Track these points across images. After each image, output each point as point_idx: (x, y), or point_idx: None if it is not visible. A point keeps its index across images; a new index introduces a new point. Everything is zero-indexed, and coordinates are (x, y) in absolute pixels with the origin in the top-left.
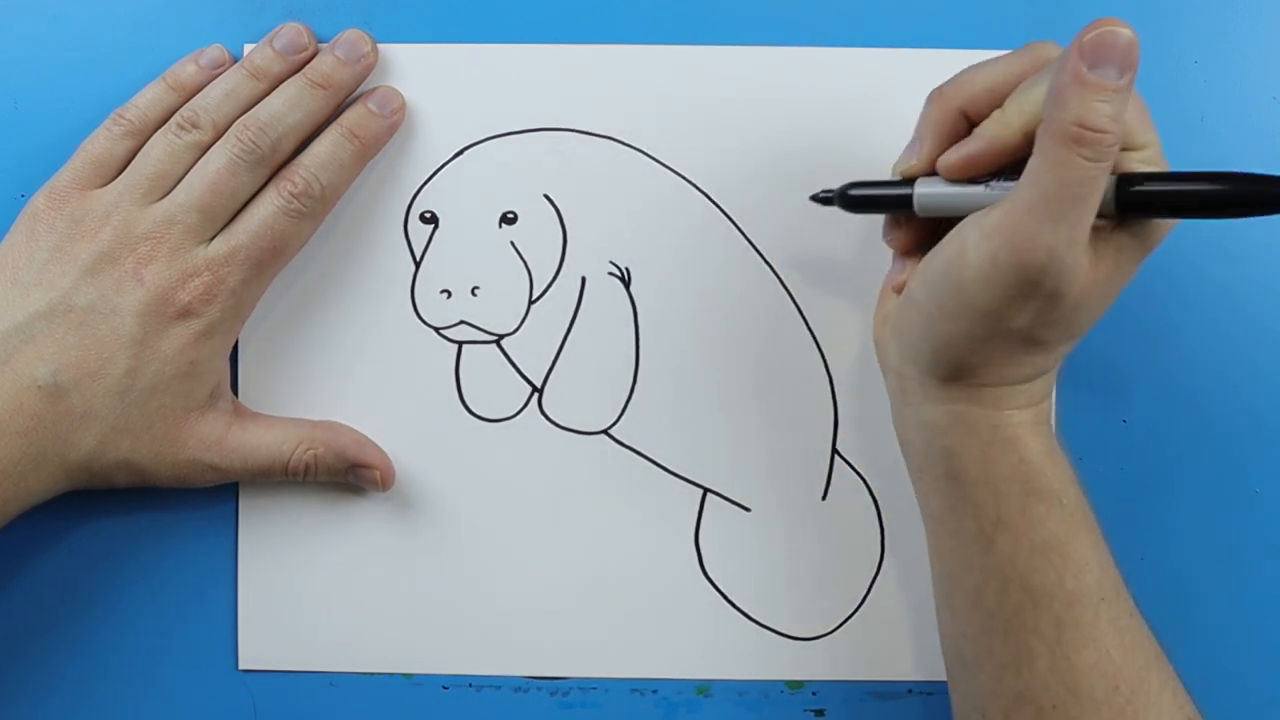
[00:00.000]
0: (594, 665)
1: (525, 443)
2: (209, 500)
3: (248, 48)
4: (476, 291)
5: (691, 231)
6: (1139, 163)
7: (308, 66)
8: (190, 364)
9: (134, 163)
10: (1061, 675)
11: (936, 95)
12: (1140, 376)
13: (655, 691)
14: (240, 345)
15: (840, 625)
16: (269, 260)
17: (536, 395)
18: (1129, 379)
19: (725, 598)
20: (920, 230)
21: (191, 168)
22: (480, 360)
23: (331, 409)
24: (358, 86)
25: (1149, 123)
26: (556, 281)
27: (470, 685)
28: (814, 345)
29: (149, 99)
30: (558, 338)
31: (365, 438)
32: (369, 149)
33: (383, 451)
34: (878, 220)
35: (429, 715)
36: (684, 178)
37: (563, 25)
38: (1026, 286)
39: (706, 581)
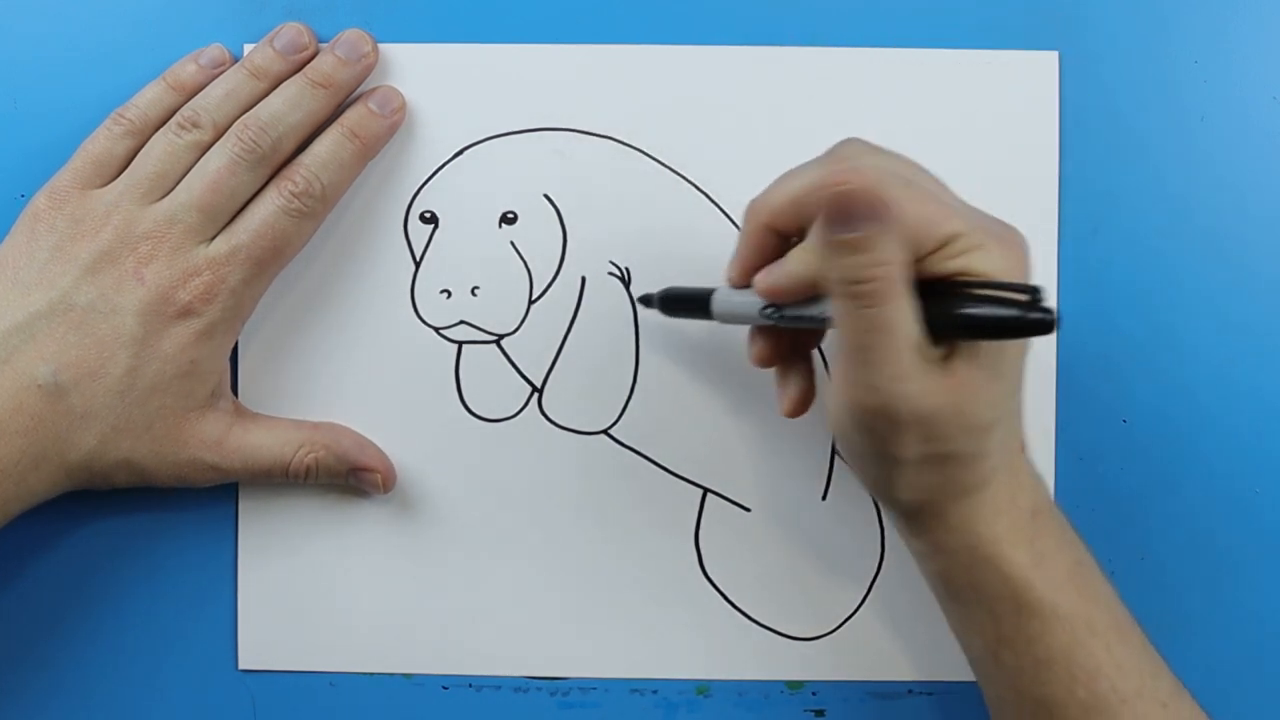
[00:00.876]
0: (594, 665)
1: (525, 443)
2: (209, 500)
3: (248, 48)
4: (476, 291)
5: (691, 231)
6: (955, 256)
7: (308, 66)
8: (191, 363)
9: (134, 162)
10: None
11: (749, 209)
12: (1140, 376)
13: (655, 691)
14: (240, 345)
15: (840, 625)
16: (270, 260)
17: (536, 395)
18: (1129, 379)
19: (725, 598)
20: (778, 342)
21: (192, 167)
22: (480, 360)
23: (331, 409)
24: (358, 86)
25: (937, 218)
26: (556, 281)
27: (470, 685)
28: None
29: (149, 99)
30: (558, 338)
31: (366, 440)
32: (369, 149)
33: (384, 454)
34: None
35: (429, 715)
36: (684, 178)
37: (563, 25)
38: (881, 425)
39: (706, 581)
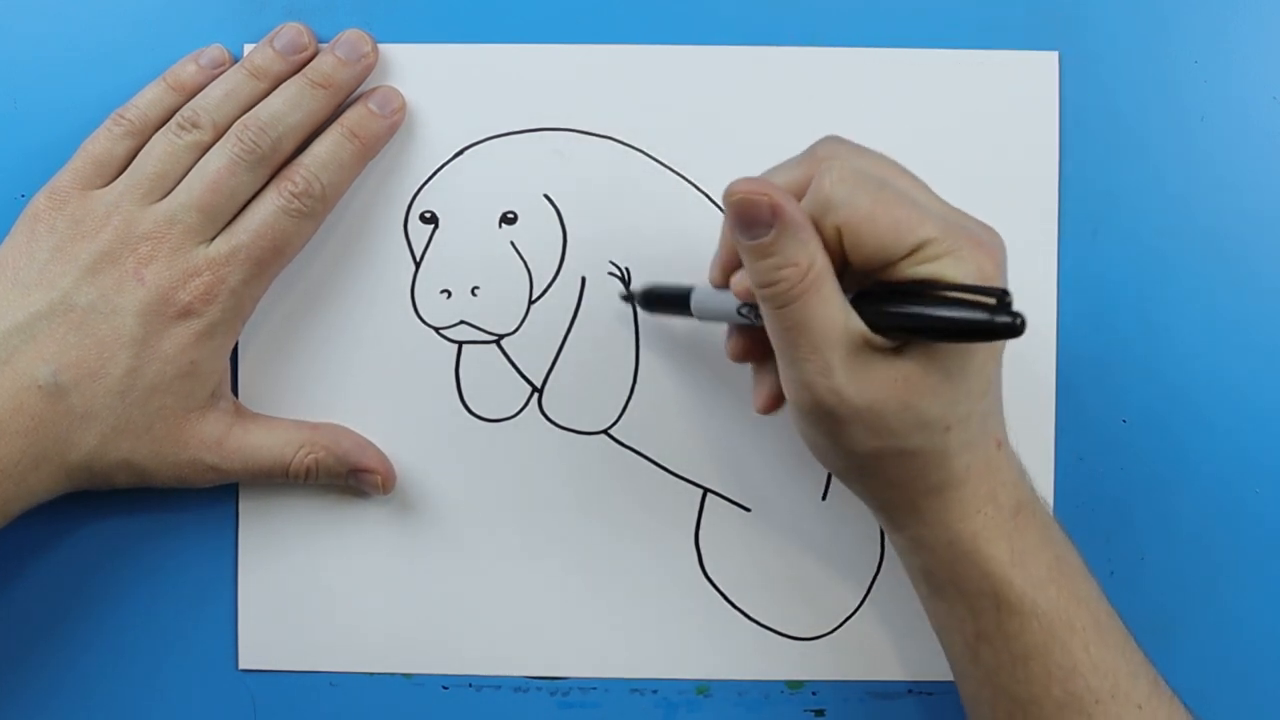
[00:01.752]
0: (594, 665)
1: (525, 443)
2: (209, 500)
3: (248, 48)
4: (476, 291)
5: (691, 231)
6: (926, 262)
7: (308, 66)
8: (191, 364)
9: (134, 163)
10: None
11: (725, 208)
12: (1140, 377)
13: (655, 691)
14: (240, 345)
15: (840, 625)
16: (270, 260)
17: (536, 395)
18: (1129, 379)
19: (725, 598)
20: (754, 340)
21: (192, 168)
22: (480, 360)
23: (331, 409)
24: (358, 86)
25: (906, 225)
26: (556, 281)
27: (470, 685)
28: None
29: (149, 99)
30: (558, 338)
31: (367, 441)
32: (369, 149)
33: (384, 455)
34: None
35: (429, 715)
36: (684, 178)
37: (563, 25)
38: (824, 420)
39: (706, 581)
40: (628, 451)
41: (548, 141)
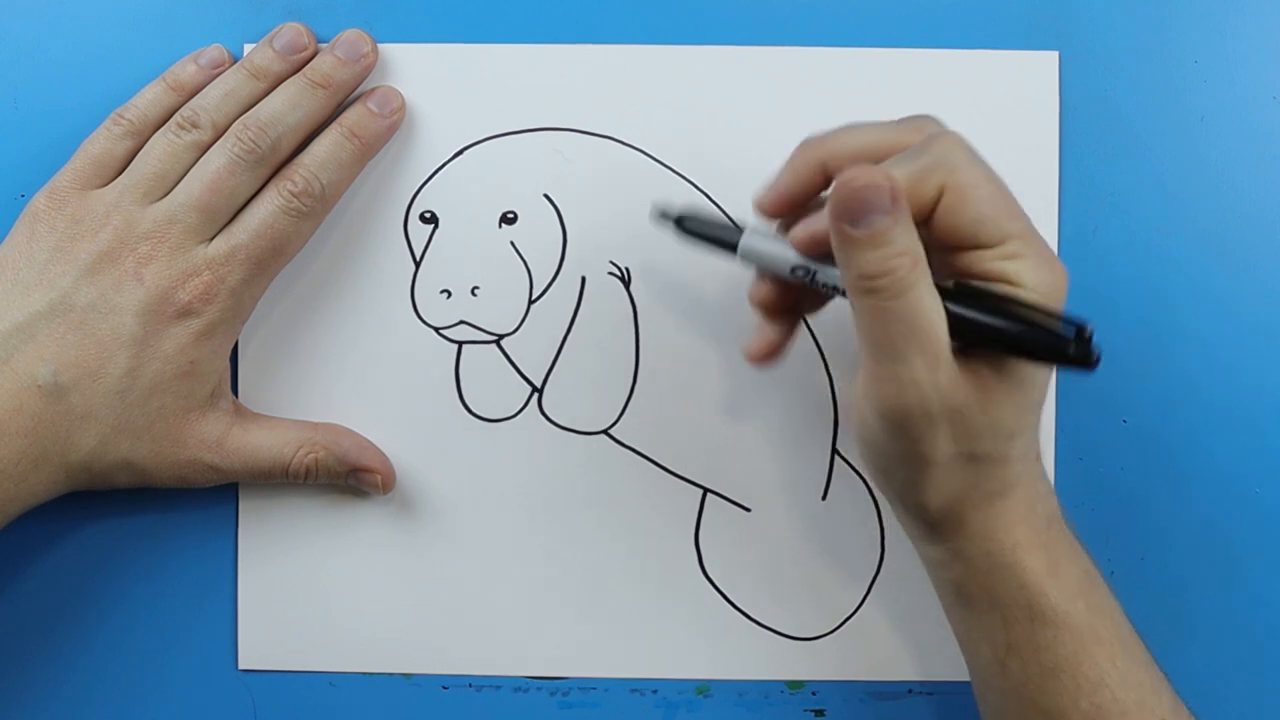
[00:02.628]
0: (594, 665)
1: (525, 443)
2: (209, 500)
3: (248, 48)
4: (476, 291)
5: None
6: (997, 259)
7: (308, 66)
8: (190, 364)
9: (134, 163)
10: None
11: (804, 144)
12: (1140, 376)
13: (655, 691)
14: (240, 345)
15: (840, 625)
16: (269, 260)
17: (536, 395)
18: (1129, 379)
19: (725, 598)
20: (784, 293)
21: (191, 168)
22: (480, 360)
23: (331, 409)
24: (358, 86)
25: (1005, 213)
26: (556, 281)
27: (470, 685)
28: (814, 345)
29: (149, 99)
30: (558, 338)
31: (366, 441)
32: (369, 149)
33: (384, 455)
34: None
35: (429, 715)
36: (684, 178)
37: (563, 25)
38: (914, 422)
39: (706, 581)
40: (628, 451)
41: (548, 141)
